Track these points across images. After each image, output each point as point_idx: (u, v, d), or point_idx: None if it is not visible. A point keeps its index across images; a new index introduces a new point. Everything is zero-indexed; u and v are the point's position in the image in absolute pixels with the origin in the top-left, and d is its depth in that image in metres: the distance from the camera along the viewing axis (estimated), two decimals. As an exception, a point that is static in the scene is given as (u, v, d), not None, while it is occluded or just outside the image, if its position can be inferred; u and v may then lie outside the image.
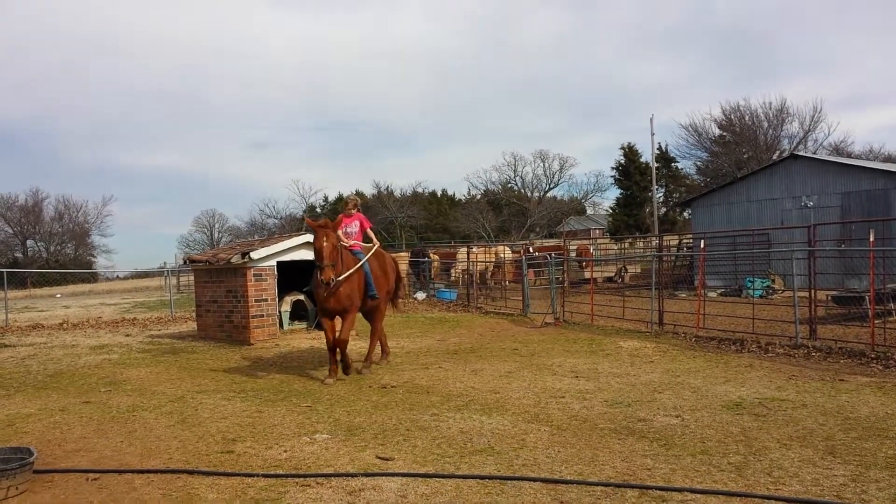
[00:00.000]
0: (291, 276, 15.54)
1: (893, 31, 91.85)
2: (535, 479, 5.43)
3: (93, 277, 63.89)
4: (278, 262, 14.81)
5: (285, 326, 15.61)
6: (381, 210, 72.07)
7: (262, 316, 14.57)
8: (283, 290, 15.54)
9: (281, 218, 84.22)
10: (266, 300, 14.66)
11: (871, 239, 12.33)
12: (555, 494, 5.11)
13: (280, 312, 15.34)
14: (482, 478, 5.49)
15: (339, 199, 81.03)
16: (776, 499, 4.91)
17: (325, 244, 9.24)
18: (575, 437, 6.65)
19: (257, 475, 5.69)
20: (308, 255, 15.36)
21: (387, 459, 6.07)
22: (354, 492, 5.28)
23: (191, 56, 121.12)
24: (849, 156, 50.66)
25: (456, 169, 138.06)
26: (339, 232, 9.91)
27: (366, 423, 7.37)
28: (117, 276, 66.77)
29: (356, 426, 7.24)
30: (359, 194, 79.07)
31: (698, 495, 5.00)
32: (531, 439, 6.58)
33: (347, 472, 5.74)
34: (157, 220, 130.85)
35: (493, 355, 12.00)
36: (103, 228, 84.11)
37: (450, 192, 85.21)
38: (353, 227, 10.76)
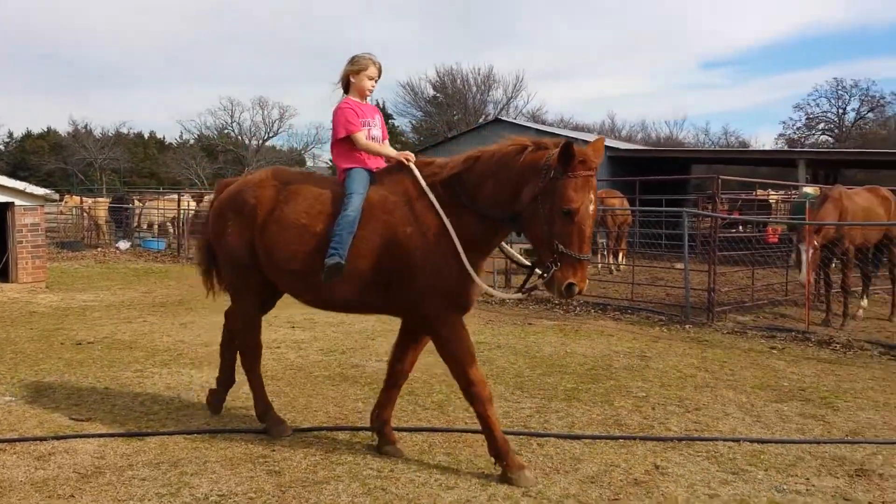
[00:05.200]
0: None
1: (583, 13, 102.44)
2: (245, 431, 5.37)
3: None
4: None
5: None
6: (77, 150, 65.17)
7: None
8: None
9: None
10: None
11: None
12: (267, 443, 5.10)
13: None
14: (190, 433, 5.31)
15: (28, 136, 71.67)
16: (472, 431, 5.36)
17: (590, 198, 4.16)
18: (289, 385, 6.67)
19: (-81, 447, 4.95)
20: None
21: (82, 420, 5.61)
22: (44, 456, 4.82)
23: None
24: (543, 123, 55.87)
25: (166, 110, 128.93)
26: (360, 134, 4.96)
27: (57, 383, 6.71)
28: None
29: (46, 387, 6.57)
30: (51, 132, 70.59)
31: (404, 433, 5.29)
32: (244, 391, 6.43)
33: (35, 435, 5.22)
34: None
35: (205, 307, 11.52)
36: None
37: (159, 135, 79.47)
38: (377, 126, 5.17)
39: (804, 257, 9.77)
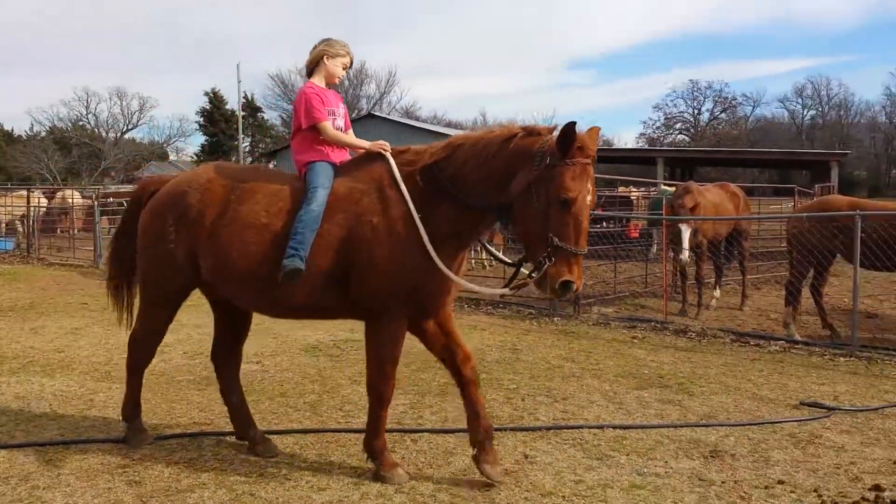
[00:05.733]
0: None
1: (458, 14, 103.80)
2: (102, 441, 5.07)
3: None
4: None
5: None
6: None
7: None
8: None
9: None
10: None
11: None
12: (126, 453, 4.84)
13: None
14: (41, 444, 4.96)
15: None
16: (346, 431, 5.31)
17: (587, 188, 3.93)
18: (150, 392, 6.33)
19: None
20: None
21: (-82, 436, 5.14)
22: None
23: None
24: (417, 119, 56.21)
25: (15, 100, 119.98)
26: (326, 123, 4.60)
27: None
28: None
29: None
30: None
31: (275, 436, 5.16)
32: (101, 399, 6.13)
33: None
34: None
35: (59, 311, 10.84)
36: None
37: (7, 127, 73.99)
38: (340, 116, 4.83)
39: (685, 236, 10.26)
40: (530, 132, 4.06)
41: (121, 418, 5.13)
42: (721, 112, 74.29)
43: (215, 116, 61.01)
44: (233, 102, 58.25)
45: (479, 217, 4.27)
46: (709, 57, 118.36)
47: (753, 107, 75.99)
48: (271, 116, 65.61)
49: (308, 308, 4.57)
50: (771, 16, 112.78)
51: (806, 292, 9.62)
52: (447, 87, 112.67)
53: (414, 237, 4.18)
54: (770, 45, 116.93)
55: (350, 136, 4.75)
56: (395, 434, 5.25)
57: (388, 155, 4.44)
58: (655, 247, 16.33)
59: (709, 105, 73.28)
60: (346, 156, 4.71)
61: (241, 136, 48.27)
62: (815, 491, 4.36)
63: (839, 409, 5.96)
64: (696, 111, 72.19)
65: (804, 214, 9.74)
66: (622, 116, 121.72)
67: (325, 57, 4.74)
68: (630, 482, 4.47)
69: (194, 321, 9.92)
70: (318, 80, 4.77)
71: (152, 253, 4.76)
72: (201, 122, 63.09)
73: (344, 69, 4.84)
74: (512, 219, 4.10)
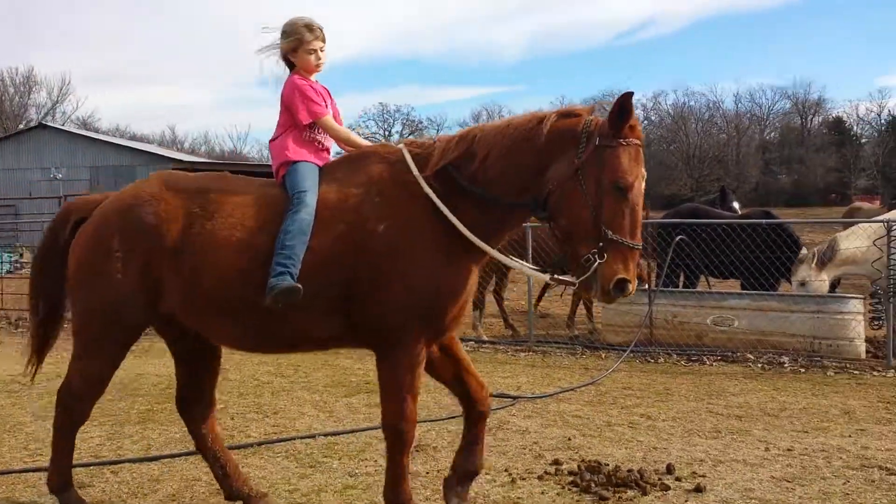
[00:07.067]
0: None
1: (140, 17, 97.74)
2: None
3: None
4: None
5: None
6: None
7: None
8: None
9: None
10: None
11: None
12: None
13: None
14: None
15: None
16: (34, 470, 4.84)
17: (643, 174, 3.42)
18: None
19: None
20: None
21: None
22: None
23: None
24: (97, 131, 51.87)
25: None
26: (328, 118, 3.98)
27: None
28: None
29: None
30: None
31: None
32: None
33: None
34: None
35: None
36: None
37: None
38: (330, 112, 4.08)
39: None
40: (566, 114, 3.53)
41: (48, 491, 4.06)
42: (409, 134, 78.90)
43: None
44: None
45: (505, 215, 3.68)
46: (396, 81, 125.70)
47: (437, 130, 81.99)
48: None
49: (304, 338, 3.89)
50: (450, 46, 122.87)
51: (490, 297, 10.65)
52: (130, 96, 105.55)
53: (433, 240, 3.59)
54: (449, 73, 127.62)
55: (356, 135, 4.13)
56: (92, 469, 4.89)
57: (405, 150, 3.79)
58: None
59: (398, 127, 77.64)
60: (327, 158, 4.05)
61: None
62: (506, 470, 4.89)
63: (522, 398, 6.72)
64: (386, 132, 75.93)
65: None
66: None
67: (288, 56, 4.02)
68: (343, 484, 4.64)
69: None
70: (301, 74, 4.02)
71: (94, 286, 3.85)
72: None
73: (312, 53, 3.98)
74: (551, 212, 3.49)
